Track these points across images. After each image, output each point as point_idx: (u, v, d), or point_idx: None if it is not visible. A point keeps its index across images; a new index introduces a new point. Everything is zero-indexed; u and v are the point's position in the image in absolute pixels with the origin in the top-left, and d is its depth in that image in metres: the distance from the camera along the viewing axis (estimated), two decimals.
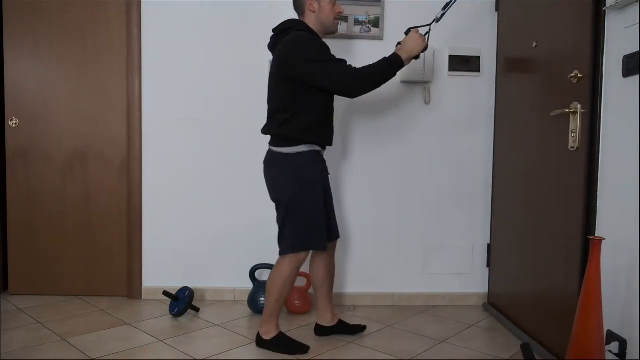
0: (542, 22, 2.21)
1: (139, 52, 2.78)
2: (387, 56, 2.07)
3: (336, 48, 2.29)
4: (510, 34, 2.57)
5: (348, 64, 2.06)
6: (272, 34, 2.17)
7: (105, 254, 2.87)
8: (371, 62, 2.07)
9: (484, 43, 2.77)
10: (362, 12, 2.72)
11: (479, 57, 2.79)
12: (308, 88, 2.03)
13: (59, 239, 2.85)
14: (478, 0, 2.75)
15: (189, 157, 2.83)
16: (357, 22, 2.73)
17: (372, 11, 2.73)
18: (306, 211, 2.07)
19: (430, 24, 2.16)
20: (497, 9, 2.71)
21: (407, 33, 2.12)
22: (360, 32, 2.73)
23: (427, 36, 2.12)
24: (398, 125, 2.81)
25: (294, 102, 2.04)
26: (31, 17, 2.76)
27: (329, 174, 2.23)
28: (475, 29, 2.75)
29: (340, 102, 2.53)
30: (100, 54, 2.81)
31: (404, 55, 2.05)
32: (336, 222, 2.27)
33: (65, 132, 2.82)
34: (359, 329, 2.35)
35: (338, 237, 2.29)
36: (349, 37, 2.71)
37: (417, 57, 2.09)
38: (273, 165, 2.13)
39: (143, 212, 2.84)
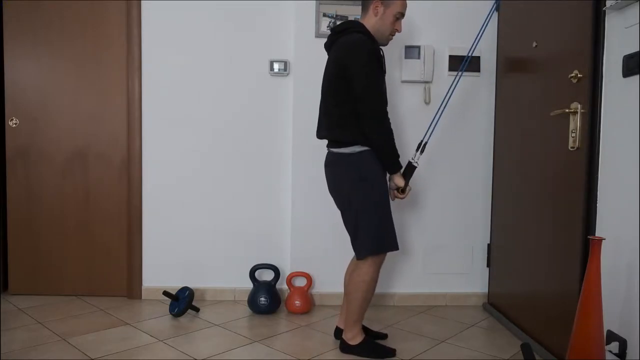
0: (542, 22, 2.21)
1: (139, 52, 2.78)
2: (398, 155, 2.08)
3: None
4: (510, 34, 2.57)
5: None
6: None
7: (105, 254, 2.87)
8: None
9: (484, 43, 2.76)
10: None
11: (479, 57, 2.79)
12: None
13: (59, 239, 2.85)
14: (478, 0, 2.75)
15: (189, 157, 2.83)
16: None
17: None
18: (377, 211, 2.01)
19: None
20: (497, 9, 2.71)
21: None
22: None
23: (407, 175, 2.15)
24: (397, 125, 2.80)
25: (347, 101, 1.98)
26: (31, 17, 2.77)
27: None
28: (475, 29, 2.74)
29: None
30: (100, 54, 2.81)
31: (397, 171, 2.09)
32: None
33: (65, 132, 2.82)
34: (380, 336, 2.29)
35: None
36: None
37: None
38: (335, 167, 2.07)
39: (143, 212, 2.84)
